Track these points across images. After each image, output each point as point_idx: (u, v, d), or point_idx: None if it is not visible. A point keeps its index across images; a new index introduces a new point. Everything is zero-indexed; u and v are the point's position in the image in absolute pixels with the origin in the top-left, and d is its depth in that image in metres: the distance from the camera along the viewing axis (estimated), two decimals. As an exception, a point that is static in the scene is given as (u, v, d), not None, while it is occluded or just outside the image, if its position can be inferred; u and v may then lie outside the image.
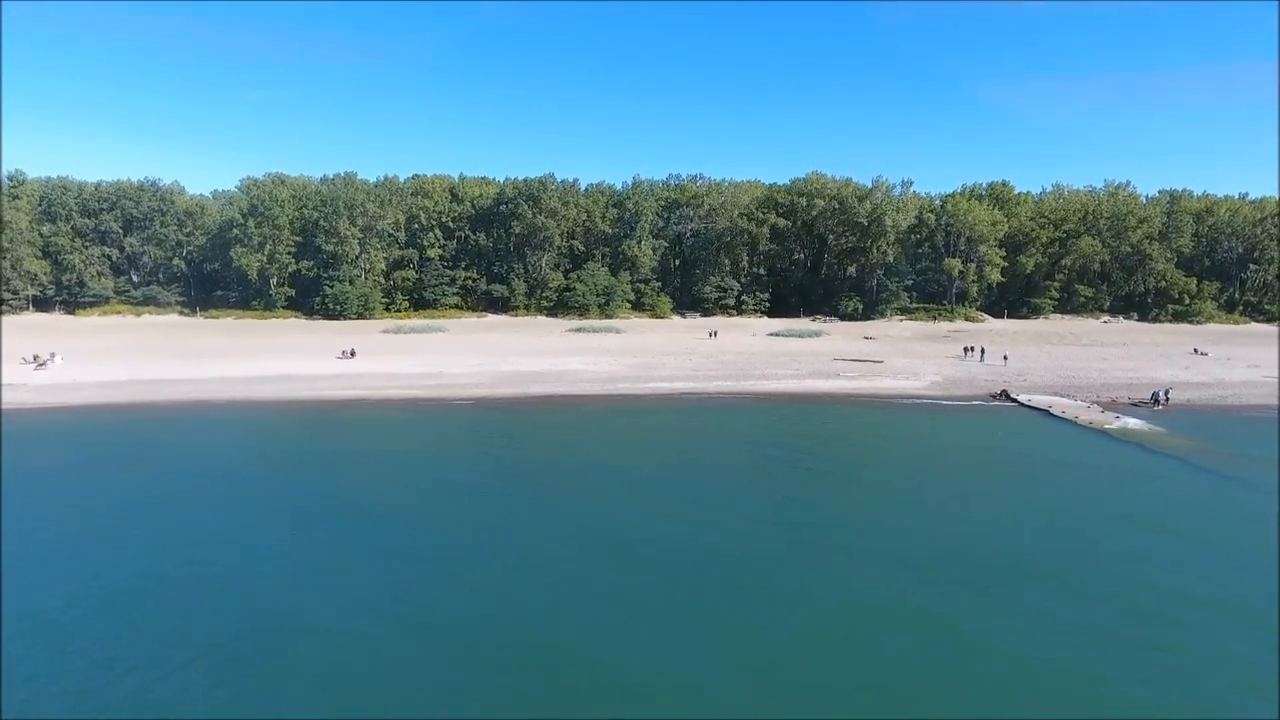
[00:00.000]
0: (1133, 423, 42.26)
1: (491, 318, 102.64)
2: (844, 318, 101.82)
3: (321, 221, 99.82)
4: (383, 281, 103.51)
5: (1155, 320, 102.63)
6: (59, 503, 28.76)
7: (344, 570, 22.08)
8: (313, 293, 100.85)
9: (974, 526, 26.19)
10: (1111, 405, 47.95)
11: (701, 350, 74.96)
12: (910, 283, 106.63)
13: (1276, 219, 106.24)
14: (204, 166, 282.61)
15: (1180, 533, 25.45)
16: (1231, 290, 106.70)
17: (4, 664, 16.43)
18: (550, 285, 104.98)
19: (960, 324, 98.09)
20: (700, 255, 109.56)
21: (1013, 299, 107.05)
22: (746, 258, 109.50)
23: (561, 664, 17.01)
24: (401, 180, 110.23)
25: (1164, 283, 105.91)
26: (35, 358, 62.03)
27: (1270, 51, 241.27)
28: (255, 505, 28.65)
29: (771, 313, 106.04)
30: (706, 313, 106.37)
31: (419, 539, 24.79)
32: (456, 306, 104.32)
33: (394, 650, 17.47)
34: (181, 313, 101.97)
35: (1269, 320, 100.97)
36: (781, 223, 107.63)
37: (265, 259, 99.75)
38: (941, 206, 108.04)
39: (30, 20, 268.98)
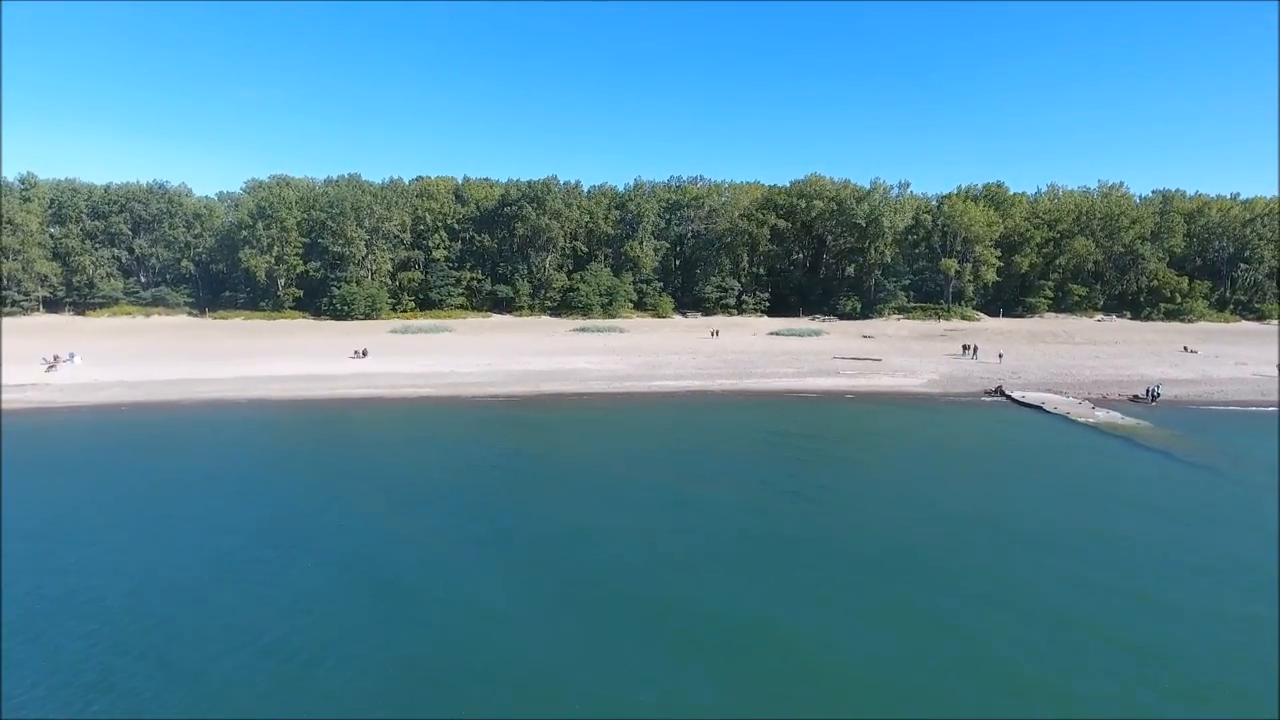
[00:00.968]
0: (1122, 418, 44.05)
1: (496, 318, 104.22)
2: (843, 317, 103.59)
3: (329, 223, 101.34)
4: (389, 282, 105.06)
5: (1147, 319, 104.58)
6: (108, 493, 30.39)
7: (417, 548, 23.91)
8: (320, 293, 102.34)
9: (973, 504, 28.59)
10: (1103, 401, 49.69)
11: (704, 349, 76.57)
12: (907, 282, 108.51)
13: (1266, 219, 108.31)
14: (208, 167, 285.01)
15: (1159, 509, 28.24)
16: (1222, 289, 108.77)
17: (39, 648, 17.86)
18: (554, 286, 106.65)
19: (957, 323, 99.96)
20: (701, 256, 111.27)
21: (1008, 298, 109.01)
22: (747, 258, 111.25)
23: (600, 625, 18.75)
24: (406, 182, 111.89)
25: (1156, 282, 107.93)
26: (55, 358, 63.50)
27: (1271, 51, 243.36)
28: (301, 494, 30.53)
29: (771, 312, 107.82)
30: (708, 312, 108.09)
31: (472, 524, 26.64)
32: (462, 307, 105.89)
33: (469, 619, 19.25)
34: (190, 314, 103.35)
35: (1260, 319, 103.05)
36: (781, 224, 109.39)
37: (273, 260, 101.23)
38: (938, 207, 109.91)
39: (34, 20, 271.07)
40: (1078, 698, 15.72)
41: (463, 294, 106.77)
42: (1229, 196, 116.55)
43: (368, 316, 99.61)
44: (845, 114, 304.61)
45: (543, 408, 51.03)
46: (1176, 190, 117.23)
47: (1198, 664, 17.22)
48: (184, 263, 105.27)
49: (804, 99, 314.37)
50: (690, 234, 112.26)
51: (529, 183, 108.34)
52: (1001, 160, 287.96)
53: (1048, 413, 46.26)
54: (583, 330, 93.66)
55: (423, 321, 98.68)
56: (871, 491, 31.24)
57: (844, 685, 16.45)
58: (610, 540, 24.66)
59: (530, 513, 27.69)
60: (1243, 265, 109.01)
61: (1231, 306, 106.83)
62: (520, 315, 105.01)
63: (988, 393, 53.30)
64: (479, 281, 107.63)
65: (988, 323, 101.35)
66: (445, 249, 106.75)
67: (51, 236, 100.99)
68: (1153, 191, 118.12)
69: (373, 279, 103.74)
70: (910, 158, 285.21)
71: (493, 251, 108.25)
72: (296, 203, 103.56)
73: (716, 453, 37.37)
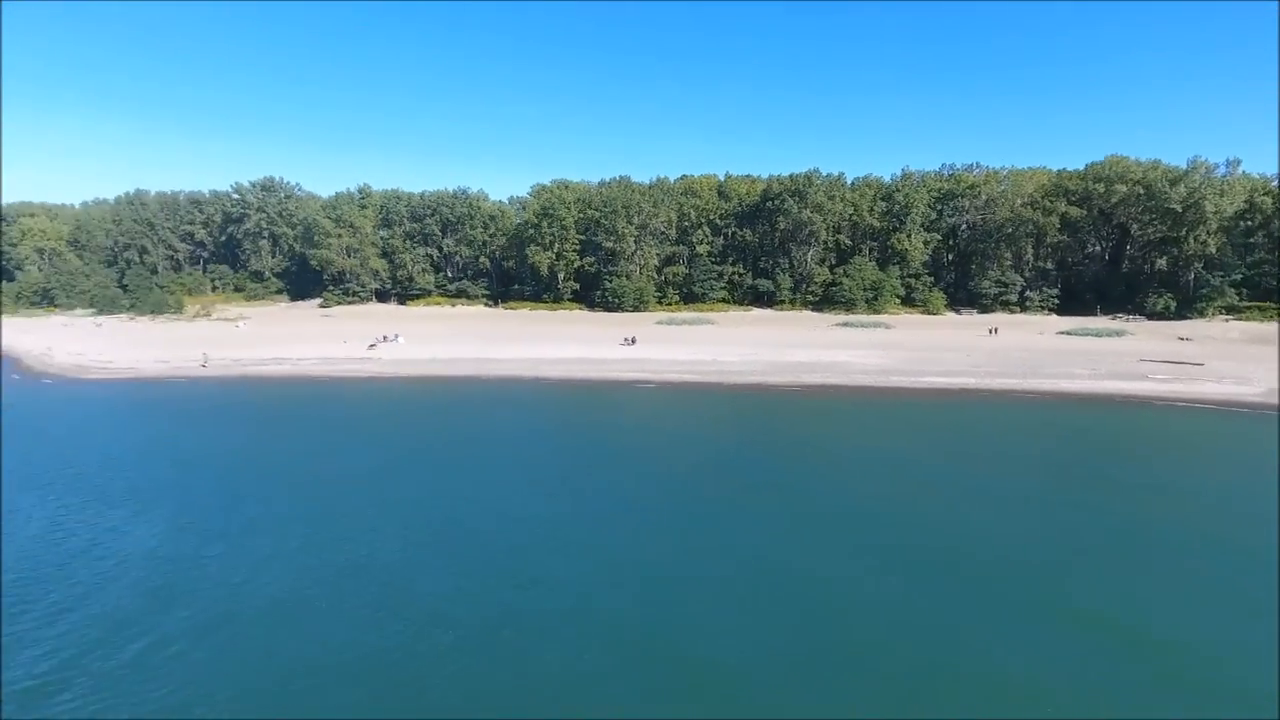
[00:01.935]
0: None
1: (757, 312, 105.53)
2: (1151, 316, 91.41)
3: (602, 221, 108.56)
4: (655, 276, 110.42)
5: None
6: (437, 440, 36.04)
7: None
8: (594, 287, 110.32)
9: None
10: None
11: (982, 347, 71.87)
12: (1239, 278, 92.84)
13: None
14: (500, 174, 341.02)
15: None
16: None
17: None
18: (816, 280, 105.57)
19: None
20: (977, 248, 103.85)
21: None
22: (1031, 250, 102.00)
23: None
24: (672, 180, 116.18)
25: None
26: (383, 337, 78.64)
27: None
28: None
29: (1061, 310, 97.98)
30: (984, 309, 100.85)
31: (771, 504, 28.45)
32: (723, 301, 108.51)
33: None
34: (486, 304, 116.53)
35: None
36: (1073, 211, 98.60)
37: (554, 256, 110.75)
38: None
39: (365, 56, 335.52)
40: None
41: (724, 288, 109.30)
42: None
43: (636, 309, 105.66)
44: (1149, 90, 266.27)
45: (804, 397, 51.32)
46: None
47: None
48: (481, 259, 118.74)
49: (1098, 75, 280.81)
50: (965, 225, 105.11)
51: (790, 176, 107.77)
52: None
53: None
54: (845, 325, 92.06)
55: (686, 314, 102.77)
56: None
57: None
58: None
59: (834, 500, 28.73)
60: None
61: None
62: (781, 309, 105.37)
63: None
64: (740, 276, 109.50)
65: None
66: (708, 244, 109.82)
67: (381, 238, 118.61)
68: None
69: (640, 273, 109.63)
70: (1235, 131, 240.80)
71: (754, 246, 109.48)
72: (574, 203, 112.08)
73: (1013, 460, 35.06)
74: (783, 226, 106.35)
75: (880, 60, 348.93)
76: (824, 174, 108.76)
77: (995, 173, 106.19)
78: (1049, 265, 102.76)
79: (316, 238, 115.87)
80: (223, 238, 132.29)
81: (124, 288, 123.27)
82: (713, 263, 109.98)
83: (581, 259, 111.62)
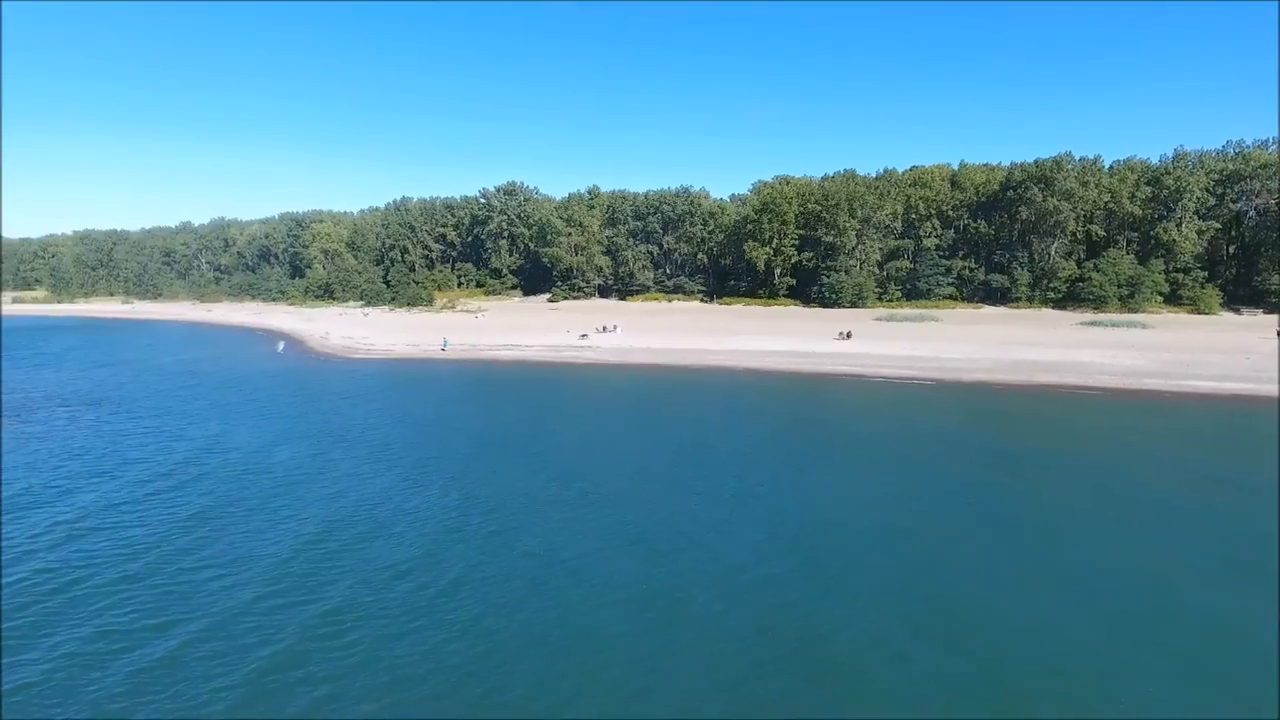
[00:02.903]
0: None
1: (988, 309, 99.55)
2: None
3: (823, 214, 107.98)
4: (876, 272, 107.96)
5: None
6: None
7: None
8: (811, 282, 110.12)
9: None
10: None
11: (1263, 349, 62.28)
12: None
13: None
14: (724, 170, 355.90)
15: None
16: None
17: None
18: (1059, 275, 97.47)
19: None
20: (1268, 238, 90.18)
21: None
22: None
23: None
24: (900, 172, 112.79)
25: None
26: (604, 328, 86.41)
27: None
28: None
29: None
30: (1273, 308, 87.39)
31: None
32: (950, 297, 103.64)
33: None
34: (701, 299, 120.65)
35: None
36: None
37: (771, 252, 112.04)
38: None
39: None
40: None
41: (952, 284, 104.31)
42: None
43: (853, 304, 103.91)
44: None
45: (1032, 397, 47.17)
46: None
47: None
48: (699, 256, 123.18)
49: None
50: (1253, 211, 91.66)
51: (1036, 162, 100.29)
52: None
53: None
54: (1092, 324, 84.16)
55: (908, 310, 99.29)
56: None
57: None
58: None
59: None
60: None
61: None
62: (1016, 307, 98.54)
63: None
64: (971, 271, 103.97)
65: None
66: (937, 237, 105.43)
67: (606, 236, 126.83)
68: None
69: (861, 268, 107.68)
70: None
71: (989, 239, 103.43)
72: (794, 198, 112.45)
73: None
74: (1024, 217, 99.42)
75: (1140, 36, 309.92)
76: (1076, 158, 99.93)
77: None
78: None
79: (549, 236, 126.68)
80: (469, 238, 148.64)
81: (387, 283, 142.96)
82: (940, 257, 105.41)
83: (800, 254, 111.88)
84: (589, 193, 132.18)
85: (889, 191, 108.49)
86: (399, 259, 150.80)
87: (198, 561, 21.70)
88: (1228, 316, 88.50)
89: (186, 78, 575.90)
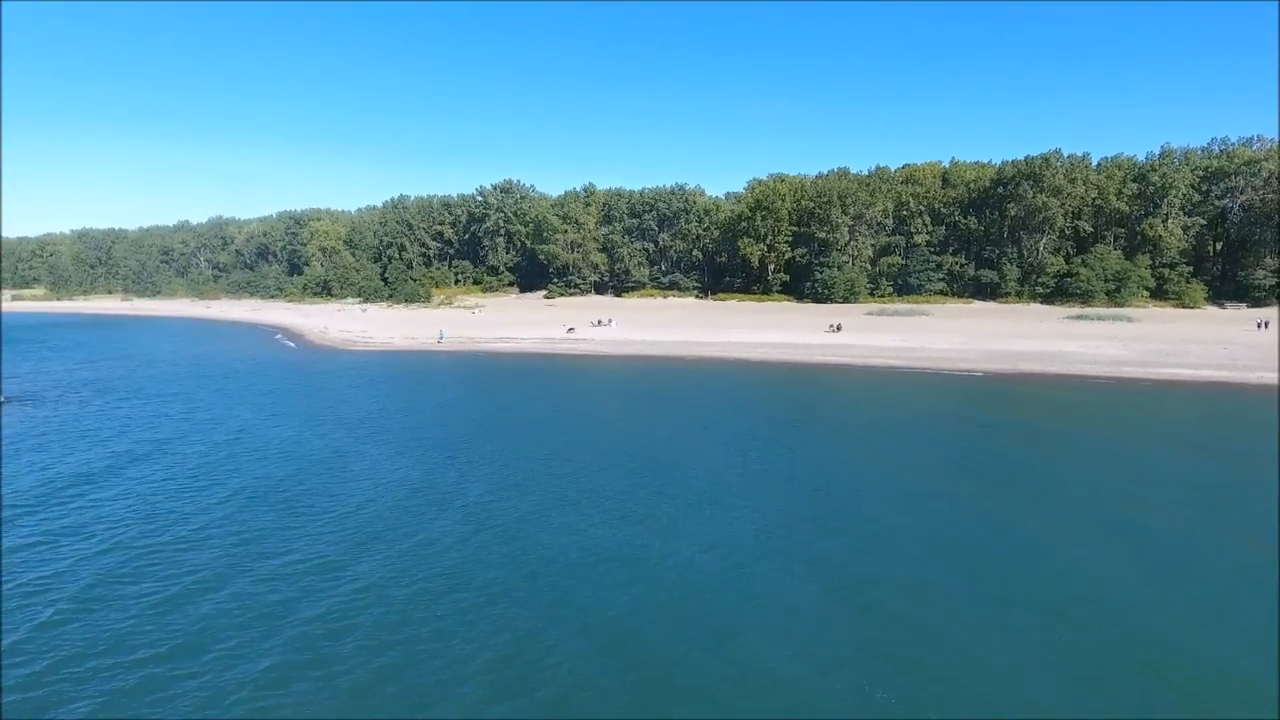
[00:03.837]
0: None
1: (978, 304, 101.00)
2: None
3: (816, 211, 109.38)
4: (868, 268, 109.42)
5: None
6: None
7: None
8: (804, 278, 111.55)
9: None
10: None
11: (1242, 340, 64.01)
12: None
13: None
14: (718, 169, 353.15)
15: None
16: None
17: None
18: (1048, 270, 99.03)
19: None
20: (1252, 234, 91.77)
21: None
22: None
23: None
24: (892, 170, 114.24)
25: None
26: (598, 321, 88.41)
27: None
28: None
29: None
30: (1257, 302, 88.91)
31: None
32: (941, 293, 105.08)
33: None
34: (696, 295, 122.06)
35: None
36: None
37: (765, 248, 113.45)
38: None
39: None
40: None
41: (943, 279, 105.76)
42: None
43: (846, 300, 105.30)
44: None
45: (1020, 384, 49.21)
46: None
47: None
48: (694, 252, 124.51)
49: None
50: (1237, 208, 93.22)
51: (1026, 159, 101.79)
52: None
53: None
54: (1079, 318, 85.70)
55: (899, 305, 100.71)
56: None
57: None
58: None
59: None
60: None
61: None
62: (1006, 302, 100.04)
63: None
64: (961, 266, 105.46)
65: None
66: (927, 234, 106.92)
67: (602, 234, 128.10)
68: None
69: (853, 264, 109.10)
70: None
71: (979, 235, 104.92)
72: (788, 195, 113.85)
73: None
74: (1014, 213, 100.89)
75: (1128, 36, 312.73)
76: (1065, 155, 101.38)
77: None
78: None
79: (545, 234, 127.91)
80: (466, 235, 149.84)
81: (385, 280, 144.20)
82: (932, 253, 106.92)
83: (793, 250, 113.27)
84: (585, 190, 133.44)
85: (881, 189, 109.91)
86: (396, 256, 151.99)
87: (209, 554, 21.30)
88: (1212, 310, 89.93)
89: (185, 77, 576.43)
